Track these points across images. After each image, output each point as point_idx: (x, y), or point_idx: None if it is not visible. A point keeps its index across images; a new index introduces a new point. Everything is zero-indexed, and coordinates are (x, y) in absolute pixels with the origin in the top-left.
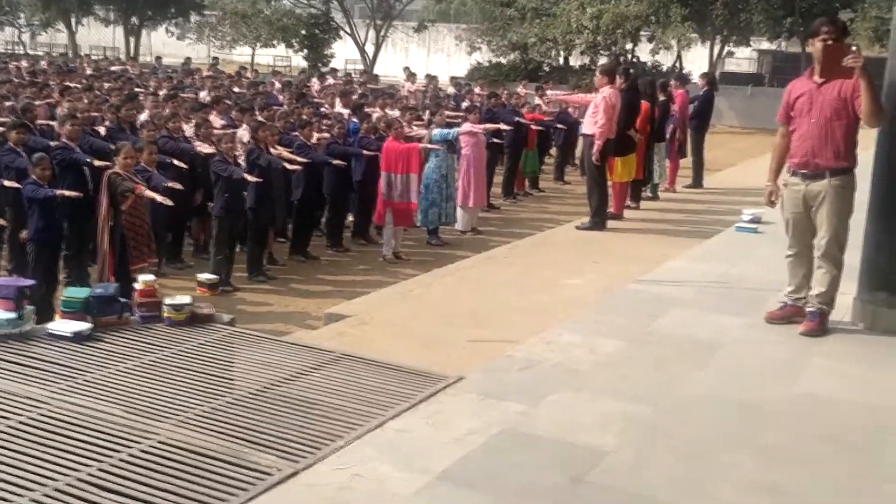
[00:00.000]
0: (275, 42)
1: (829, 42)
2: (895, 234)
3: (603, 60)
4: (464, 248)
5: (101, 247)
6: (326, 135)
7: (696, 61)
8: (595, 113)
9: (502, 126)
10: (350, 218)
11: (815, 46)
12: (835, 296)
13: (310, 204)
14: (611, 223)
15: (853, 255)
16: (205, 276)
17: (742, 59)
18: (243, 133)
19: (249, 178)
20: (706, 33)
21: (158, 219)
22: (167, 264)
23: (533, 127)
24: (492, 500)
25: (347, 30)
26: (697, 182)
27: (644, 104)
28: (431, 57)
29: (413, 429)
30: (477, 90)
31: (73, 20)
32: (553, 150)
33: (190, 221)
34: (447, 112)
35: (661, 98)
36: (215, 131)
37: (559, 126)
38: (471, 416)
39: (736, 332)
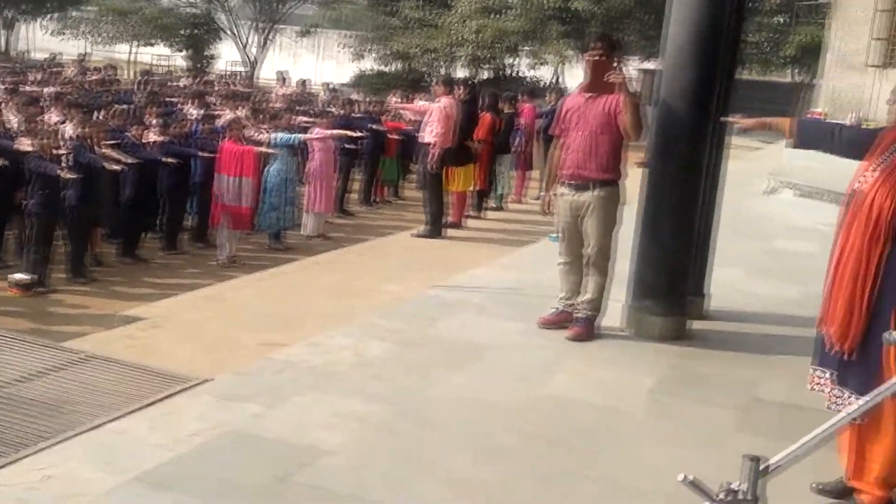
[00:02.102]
0: (153, 41)
1: (598, 58)
2: (660, 246)
3: (485, 74)
4: (307, 252)
5: None
6: (160, 138)
7: (582, 77)
8: (431, 122)
9: (351, 133)
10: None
11: (585, 62)
12: (601, 303)
13: (141, 204)
14: (450, 232)
15: (627, 265)
16: (17, 276)
17: None
18: (67, 129)
19: (64, 174)
20: (584, 50)
21: None
22: None
23: (391, 136)
24: (185, 500)
25: (230, 31)
26: None
27: (487, 116)
28: (322, 63)
29: (131, 430)
30: (354, 96)
31: None
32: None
33: (12, 219)
34: (303, 118)
35: (508, 111)
36: (40, 127)
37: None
38: (200, 418)
39: (508, 336)
